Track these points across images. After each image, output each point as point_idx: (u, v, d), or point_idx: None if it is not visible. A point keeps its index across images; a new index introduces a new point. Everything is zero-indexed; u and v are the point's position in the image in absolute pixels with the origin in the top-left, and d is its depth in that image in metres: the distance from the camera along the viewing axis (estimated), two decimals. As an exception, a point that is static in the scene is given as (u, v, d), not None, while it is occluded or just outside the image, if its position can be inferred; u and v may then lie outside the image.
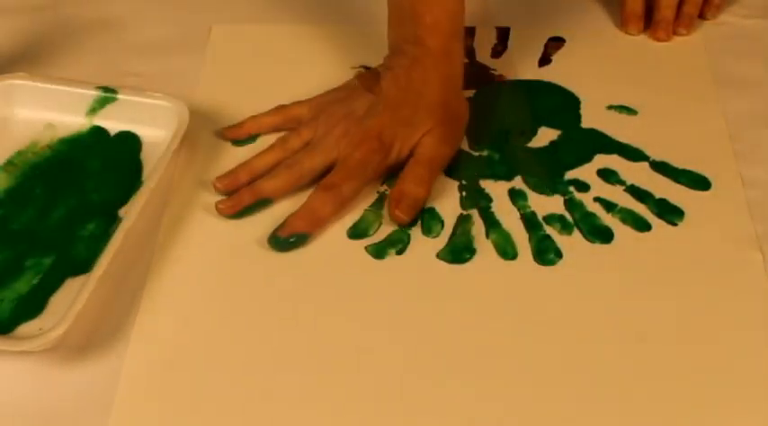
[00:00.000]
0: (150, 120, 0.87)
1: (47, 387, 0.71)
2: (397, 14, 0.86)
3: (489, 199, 0.82)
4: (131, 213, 0.77)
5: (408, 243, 0.79)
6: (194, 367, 0.72)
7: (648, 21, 0.98)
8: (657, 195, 0.82)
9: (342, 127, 0.82)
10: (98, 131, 0.88)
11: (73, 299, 0.71)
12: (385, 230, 0.80)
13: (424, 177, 0.81)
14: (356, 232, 0.80)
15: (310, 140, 0.83)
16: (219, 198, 0.82)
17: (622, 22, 0.97)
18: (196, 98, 0.91)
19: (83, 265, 0.76)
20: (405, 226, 0.79)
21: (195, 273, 0.78)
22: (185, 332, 0.74)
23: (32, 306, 0.74)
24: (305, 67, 0.94)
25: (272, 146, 0.84)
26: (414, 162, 0.82)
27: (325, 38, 0.97)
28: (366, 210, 0.81)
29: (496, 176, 0.84)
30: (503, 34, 0.98)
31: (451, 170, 0.84)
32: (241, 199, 0.81)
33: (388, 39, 0.87)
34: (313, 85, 0.90)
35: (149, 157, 0.85)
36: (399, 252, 0.78)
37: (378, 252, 0.78)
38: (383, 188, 0.82)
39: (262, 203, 0.81)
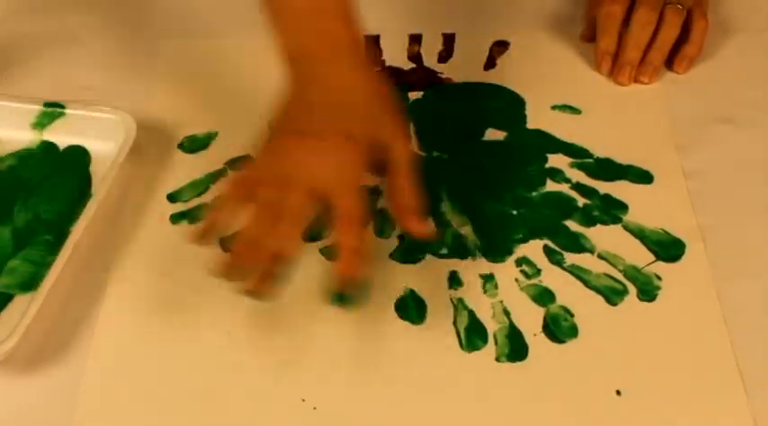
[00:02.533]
0: (98, 134, 0.86)
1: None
2: (291, 15, 0.77)
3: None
4: (79, 227, 0.77)
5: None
6: (153, 377, 0.72)
7: None
8: (602, 191, 0.83)
9: (300, 150, 0.74)
10: (47, 146, 0.87)
11: (23, 314, 0.71)
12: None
13: (412, 184, 0.73)
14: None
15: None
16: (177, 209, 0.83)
17: (595, 61, 0.94)
18: (146, 110, 0.90)
19: (32, 281, 0.76)
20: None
21: (152, 281, 0.78)
22: (143, 340, 0.74)
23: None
24: (255, 79, 0.93)
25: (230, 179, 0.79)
26: (395, 173, 0.73)
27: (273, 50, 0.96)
28: None
29: (447, 181, 0.84)
30: (449, 40, 0.98)
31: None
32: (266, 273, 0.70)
33: (280, 47, 0.78)
34: (263, 96, 0.89)
35: (98, 170, 0.84)
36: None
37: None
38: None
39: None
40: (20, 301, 0.75)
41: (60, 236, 0.78)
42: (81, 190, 0.84)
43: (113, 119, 0.86)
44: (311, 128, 0.73)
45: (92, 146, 0.87)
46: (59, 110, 0.87)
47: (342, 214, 0.70)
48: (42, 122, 0.87)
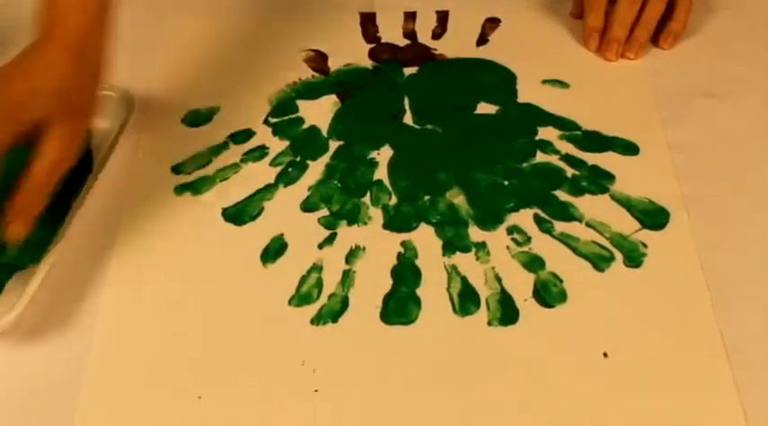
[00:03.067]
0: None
1: (6, 369, 0.71)
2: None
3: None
4: (80, 200, 0.77)
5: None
6: (159, 346, 0.73)
7: None
8: (590, 162, 0.84)
9: None
10: None
11: (26, 285, 0.72)
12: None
13: (47, 186, 0.73)
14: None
15: None
16: (181, 180, 0.84)
17: (583, 37, 0.94)
18: (151, 86, 0.91)
19: (36, 253, 0.75)
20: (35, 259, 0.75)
21: (157, 249, 0.79)
22: (149, 309, 0.75)
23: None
24: (256, 56, 0.94)
25: None
26: (39, 170, 0.73)
27: (273, 24, 0.98)
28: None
29: (441, 153, 0.86)
30: (442, 17, 0.98)
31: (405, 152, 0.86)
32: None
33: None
34: (263, 72, 0.91)
35: (100, 146, 0.84)
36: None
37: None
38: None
39: None
40: (24, 274, 0.75)
41: (64, 210, 0.78)
42: (82, 165, 0.82)
43: (113, 96, 0.86)
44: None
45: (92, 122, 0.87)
46: None
47: None
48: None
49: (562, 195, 0.82)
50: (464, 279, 0.76)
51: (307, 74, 0.93)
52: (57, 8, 0.76)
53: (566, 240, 0.78)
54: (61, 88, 0.74)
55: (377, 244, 0.78)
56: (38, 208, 0.73)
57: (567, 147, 0.85)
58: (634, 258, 0.77)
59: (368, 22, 0.98)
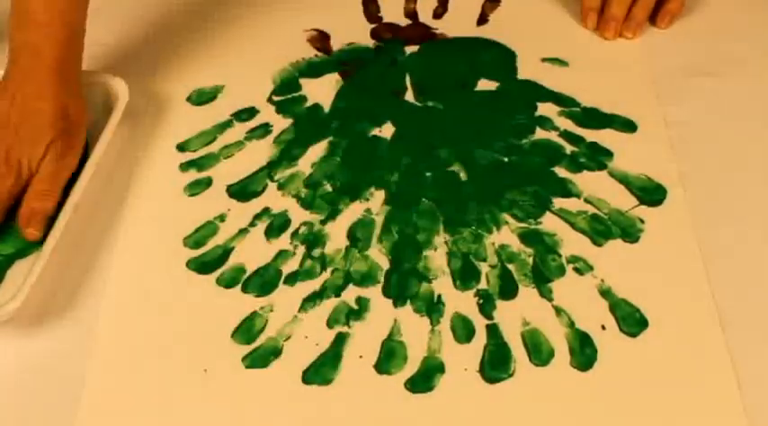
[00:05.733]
0: (92, 98, 0.84)
1: (8, 357, 0.70)
2: (16, 17, 0.80)
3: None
4: (77, 188, 0.77)
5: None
6: (165, 326, 0.72)
7: None
8: (589, 139, 0.83)
9: None
10: None
11: (28, 274, 0.71)
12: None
13: (49, 192, 0.77)
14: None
15: None
16: (186, 157, 0.83)
17: (582, 16, 0.94)
18: (157, 66, 0.91)
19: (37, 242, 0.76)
20: (38, 241, 0.75)
21: (163, 226, 0.79)
22: (156, 288, 0.74)
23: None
24: (258, 37, 0.94)
25: None
26: (37, 179, 0.77)
27: (277, 4, 0.97)
28: None
29: (442, 129, 0.85)
30: (443, -3, 0.98)
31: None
32: None
33: (9, 43, 0.81)
34: (266, 52, 0.90)
35: (94, 133, 0.82)
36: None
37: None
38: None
39: None
40: (25, 261, 0.75)
41: (62, 198, 0.77)
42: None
43: (106, 82, 0.85)
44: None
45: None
46: None
47: None
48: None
49: (561, 171, 0.81)
50: (465, 255, 0.75)
51: (310, 53, 0.93)
52: (33, 32, 0.79)
53: (564, 215, 0.78)
54: (57, 113, 0.78)
55: (378, 221, 0.78)
56: (46, 213, 0.76)
57: (566, 124, 0.85)
58: (631, 233, 0.76)
59: (370, 2, 0.98)
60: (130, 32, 0.95)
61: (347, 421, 0.66)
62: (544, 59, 0.91)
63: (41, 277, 0.71)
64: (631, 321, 0.70)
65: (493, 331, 0.70)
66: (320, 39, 0.94)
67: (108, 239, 0.77)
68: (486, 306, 0.72)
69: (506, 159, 0.82)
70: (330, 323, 0.71)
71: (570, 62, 0.90)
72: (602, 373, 0.68)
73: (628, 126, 0.84)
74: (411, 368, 0.68)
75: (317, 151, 0.84)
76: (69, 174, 0.78)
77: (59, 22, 0.79)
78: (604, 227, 0.76)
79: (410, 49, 0.92)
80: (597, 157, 0.82)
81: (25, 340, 0.71)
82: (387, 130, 0.85)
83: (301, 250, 0.76)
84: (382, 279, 0.74)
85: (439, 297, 0.73)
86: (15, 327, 0.71)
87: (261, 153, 0.84)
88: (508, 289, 0.73)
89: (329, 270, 0.74)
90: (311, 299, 0.72)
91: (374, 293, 0.73)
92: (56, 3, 0.79)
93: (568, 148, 0.83)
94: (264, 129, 0.86)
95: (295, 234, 0.77)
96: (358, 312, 0.71)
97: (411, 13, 0.96)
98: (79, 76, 0.81)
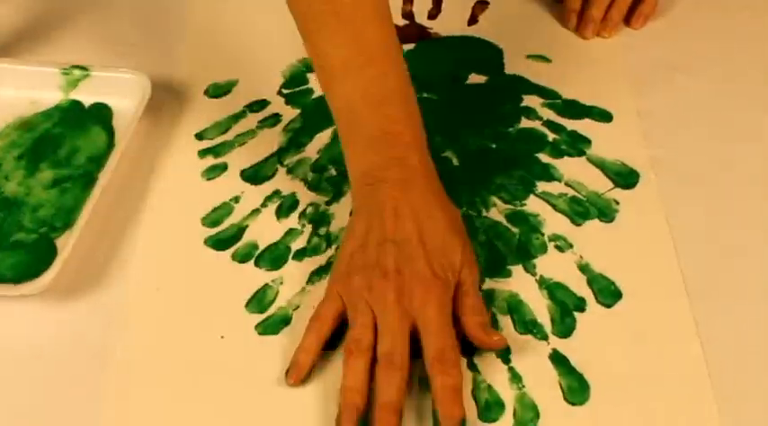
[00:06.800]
0: (119, 92, 0.85)
1: (43, 327, 0.70)
2: (365, 141, 0.69)
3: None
4: (106, 173, 0.76)
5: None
6: (190, 298, 0.71)
7: None
8: (569, 127, 0.83)
9: (390, 292, 0.64)
10: (74, 104, 0.86)
11: (61, 249, 0.71)
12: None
13: (483, 303, 0.67)
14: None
15: (374, 325, 0.64)
16: (204, 145, 0.83)
17: (564, 17, 0.93)
18: (175, 62, 0.90)
19: (70, 220, 0.75)
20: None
21: (184, 207, 0.78)
22: (173, 265, 0.74)
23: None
24: (270, 34, 0.93)
25: (350, 354, 0.63)
26: (464, 293, 0.66)
27: (285, 7, 0.96)
28: None
29: (436, 118, 0.84)
30: (437, 0, 0.97)
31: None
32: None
33: (352, 172, 0.70)
34: (277, 49, 0.90)
35: (120, 124, 0.83)
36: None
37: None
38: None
39: None
40: (60, 239, 0.74)
41: (91, 182, 0.77)
42: (108, 140, 0.83)
43: (132, 78, 0.85)
44: (392, 264, 0.64)
45: (113, 103, 0.85)
46: (84, 72, 0.86)
47: (436, 354, 0.62)
48: (71, 83, 0.86)
49: (544, 157, 0.81)
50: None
51: (316, 50, 0.92)
52: (410, 131, 0.68)
53: (547, 197, 0.78)
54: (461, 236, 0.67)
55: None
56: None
57: (548, 114, 0.85)
58: (607, 214, 0.76)
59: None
60: (154, 33, 0.95)
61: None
62: (529, 56, 0.90)
63: (74, 251, 0.71)
64: (607, 293, 0.70)
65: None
66: (325, 38, 0.93)
67: (134, 219, 0.77)
68: (475, 280, 0.72)
69: (494, 146, 0.82)
70: (334, 293, 0.70)
71: (552, 58, 0.90)
72: (580, 340, 0.68)
73: (604, 116, 0.84)
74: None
75: (322, 139, 0.83)
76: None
77: (419, 131, 0.69)
78: (583, 208, 0.76)
79: (407, 47, 0.91)
80: (576, 144, 0.81)
81: (62, 309, 0.71)
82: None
83: (308, 228, 0.76)
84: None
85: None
86: (52, 298, 0.71)
87: (271, 140, 0.83)
88: (496, 265, 0.73)
89: (334, 246, 0.74)
90: (318, 273, 0.72)
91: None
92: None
93: (550, 136, 0.82)
94: (275, 119, 0.85)
95: (303, 214, 0.77)
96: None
97: (408, 14, 0.96)
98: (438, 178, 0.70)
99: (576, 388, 0.65)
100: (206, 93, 0.88)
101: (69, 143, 0.83)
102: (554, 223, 0.75)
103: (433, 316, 0.63)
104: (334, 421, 0.63)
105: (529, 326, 0.69)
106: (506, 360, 0.67)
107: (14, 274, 0.72)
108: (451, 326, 0.64)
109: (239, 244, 0.75)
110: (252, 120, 0.86)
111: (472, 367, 0.66)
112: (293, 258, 0.74)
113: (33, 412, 0.65)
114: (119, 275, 0.73)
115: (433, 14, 0.96)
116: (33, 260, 0.73)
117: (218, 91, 0.88)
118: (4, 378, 0.67)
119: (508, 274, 0.72)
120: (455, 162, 0.81)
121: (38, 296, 0.70)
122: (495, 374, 0.66)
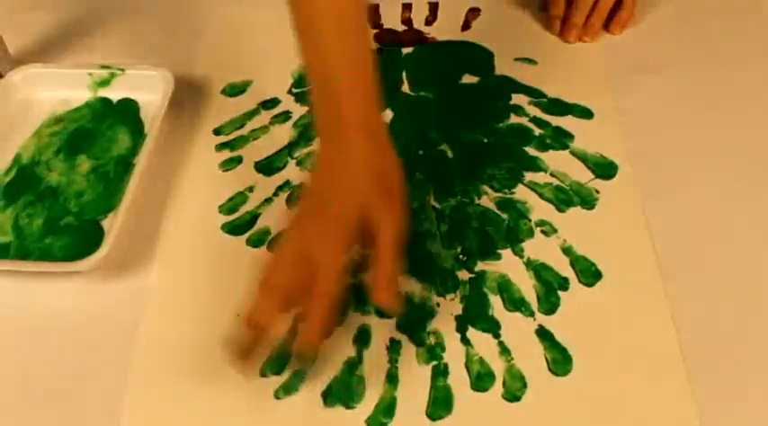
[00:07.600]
0: (144, 88, 0.86)
1: (92, 300, 0.72)
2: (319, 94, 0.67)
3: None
4: (141, 159, 0.78)
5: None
6: (204, 281, 0.72)
7: None
8: (554, 123, 0.83)
9: (317, 230, 0.63)
10: (103, 101, 0.87)
11: (108, 230, 0.73)
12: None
13: (393, 261, 0.62)
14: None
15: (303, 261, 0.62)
16: (221, 140, 0.84)
17: (549, 24, 0.93)
18: (195, 64, 0.91)
19: (112, 203, 0.77)
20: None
21: (205, 197, 0.79)
22: (194, 249, 0.75)
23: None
24: (281, 39, 0.91)
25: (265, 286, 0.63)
26: (380, 249, 0.62)
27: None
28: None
29: (433, 115, 0.85)
30: (433, 7, 0.97)
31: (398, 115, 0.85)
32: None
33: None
34: (288, 52, 0.89)
35: (148, 116, 0.85)
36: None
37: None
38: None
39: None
40: (105, 221, 0.76)
41: (126, 168, 0.79)
42: (136, 131, 0.84)
43: (156, 75, 0.86)
44: (320, 208, 0.63)
45: (139, 97, 0.87)
46: (112, 71, 0.87)
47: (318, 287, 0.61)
48: (99, 82, 0.87)
49: (531, 150, 0.81)
50: (450, 219, 0.76)
51: (322, 54, 0.92)
52: (338, 101, 0.64)
53: (533, 187, 0.78)
54: (372, 172, 0.63)
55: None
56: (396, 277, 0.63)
57: (535, 111, 0.85)
58: (588, 202, 0.77)
59: (373, 12, 0.97)
60: (176, 35, 0.95)
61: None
62: (517, 59, 0.90)
63: (119, 232, 0.72)
64: (588, 274, 0.71)
65: (474, 283, 0.71)
66: (331, 42, 0.93)
67: (165, 203, 0.78)
68: (469, 263, 0.73)
69: (486, 140, 0.82)
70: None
71: (538, 61, 0.90)
72: (564, 317, 0.69)
73: (585, 113, 0.84)
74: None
75: (328, 134, 0.84)
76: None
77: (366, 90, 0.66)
78: (566, 197, 0.77)
79: (406, 50, 0.92)
80: (560, 139, 0.82)
81: (108, 285, 0.73)
82: (386, 116, 0.84)
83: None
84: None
85: (430, 254, 0.73)
86: (97, 276, 0.73)
87: (283, 135, 0.84)
88: (487, 248, 0.73)
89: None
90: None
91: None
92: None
93: (537, 131, 0.83)
94: (285, 116, 0.86)
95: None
96: (362, 265, 0.71)
97: (407, 21, 0.96)
98: (386, 134, 0.67)
99: (559, 361, 0.66)
100: (223, 92, 0.89)
101: (101, 135, 0.84)
102: (540, 210, 0.76)
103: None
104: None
105: (517, 304, 0.70)
106: (496, 335, 0.68)
107: (65, 254, 0.74)
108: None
109: (253, 230, 0.76)
110: (265, 117, 0.86)
111: (465, 341, 0.68)
112: (302, 242, 0.75)
113: (65, 382, 0.67)
114: (153, 255, 0.74)
115: (429, 21, 0.96)
116: (82, 240, 0.75)
117: (235, 90, 0.89)
118: (47, 347, 0.69)
119: (498, 257, 0.73)
120: (450, 154, 0.81)
121: (84, 274, 0.72)
122: (486, 348, 0.68)
